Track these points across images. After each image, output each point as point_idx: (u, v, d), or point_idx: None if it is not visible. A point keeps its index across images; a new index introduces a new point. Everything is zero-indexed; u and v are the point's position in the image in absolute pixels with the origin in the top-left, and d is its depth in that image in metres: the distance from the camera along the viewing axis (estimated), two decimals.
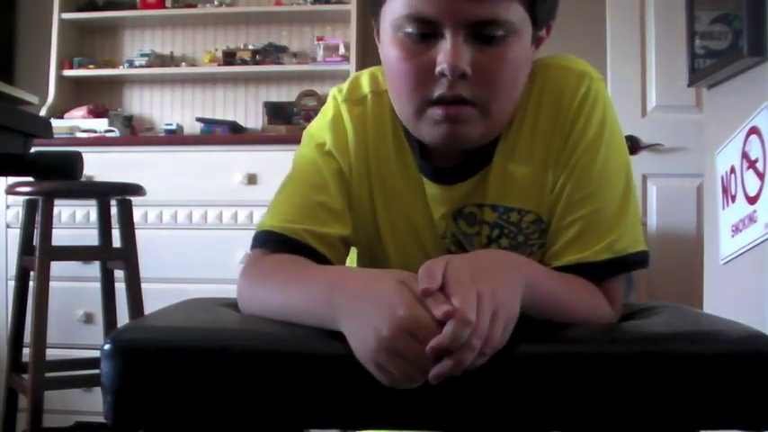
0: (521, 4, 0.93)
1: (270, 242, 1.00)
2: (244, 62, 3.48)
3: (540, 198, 1.01)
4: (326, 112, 1.07)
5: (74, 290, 2.91)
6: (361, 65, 3.31)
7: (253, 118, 3.59)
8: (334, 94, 1.08)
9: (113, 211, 2.51)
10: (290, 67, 3.50)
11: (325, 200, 1.02)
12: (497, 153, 1.01)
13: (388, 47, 0.97)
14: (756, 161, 1.89)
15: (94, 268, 2.68)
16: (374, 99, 1.06)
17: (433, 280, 0.75)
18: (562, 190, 0.99)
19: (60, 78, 3.49)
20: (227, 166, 3.00)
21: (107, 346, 0.79)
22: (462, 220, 1.04)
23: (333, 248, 1.01)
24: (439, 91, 0.92)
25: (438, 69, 0.91)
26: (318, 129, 1.07)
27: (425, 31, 0.92)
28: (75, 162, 1.31)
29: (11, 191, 2.48)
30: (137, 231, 2.49)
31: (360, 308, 0.77)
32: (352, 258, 1.13)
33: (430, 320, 0.72)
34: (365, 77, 1.08)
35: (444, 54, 0.90)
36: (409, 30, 0.93)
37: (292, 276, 0.91)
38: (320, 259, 0.98)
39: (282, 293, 0.89)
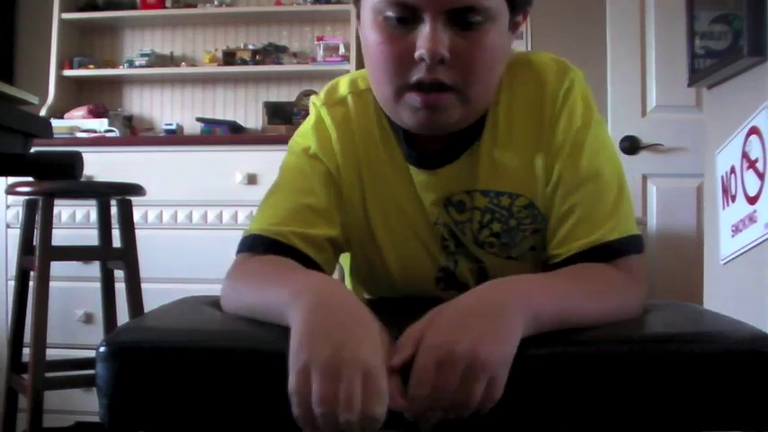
0: None
1: (256, 245, 1.00)
2: (244, 62, 3.48)
3: (531, 183, 1.02)
4: (308, 119, 1.10)
5: (74, 290, 2.91)
6: (361, 65, 3.30)
7: (253, 118, 3.59)
8: (314, 101, 1.10)
9: (113, 211, 2.51)
10: (290, 67, 3.50)
11: (312, 202, 1.02)
12: (483, 139, 1.03)
13: (368, 30, 0.98)
14: (756, 161, 1.89)
15: (94, 268, 2.67)
16: (355, 99, 1.08)
17: (400, 355, 0.74)
18: (558, 176, 1.00)
19: (60, 78, 3.49)
20: (227, 166, 2.99)
21: (102, 349, 0.79)
22: (452, 208, 1.05)
23: (320, 250, 1.01)
24: (417, 75, 0.93)
25: (417, 54, 0.92)
26: (302, 135, 1.09)
27: (405, 16, 0.93)
28: (75, 162, 1.30)
29: (11, 191, 2.47)
30: (137, 231, 2.49)
31: (323, 334, 0.73)
32: (346, 256, 1.13)
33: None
34: (343, 82, 1.10)
35: (423, 39, 0.91)
36: (389, 14, 0.94)
37: (272, 277, 0.91)
38: (307, 261, 0.98)
39: (260, 292, 0.89)
